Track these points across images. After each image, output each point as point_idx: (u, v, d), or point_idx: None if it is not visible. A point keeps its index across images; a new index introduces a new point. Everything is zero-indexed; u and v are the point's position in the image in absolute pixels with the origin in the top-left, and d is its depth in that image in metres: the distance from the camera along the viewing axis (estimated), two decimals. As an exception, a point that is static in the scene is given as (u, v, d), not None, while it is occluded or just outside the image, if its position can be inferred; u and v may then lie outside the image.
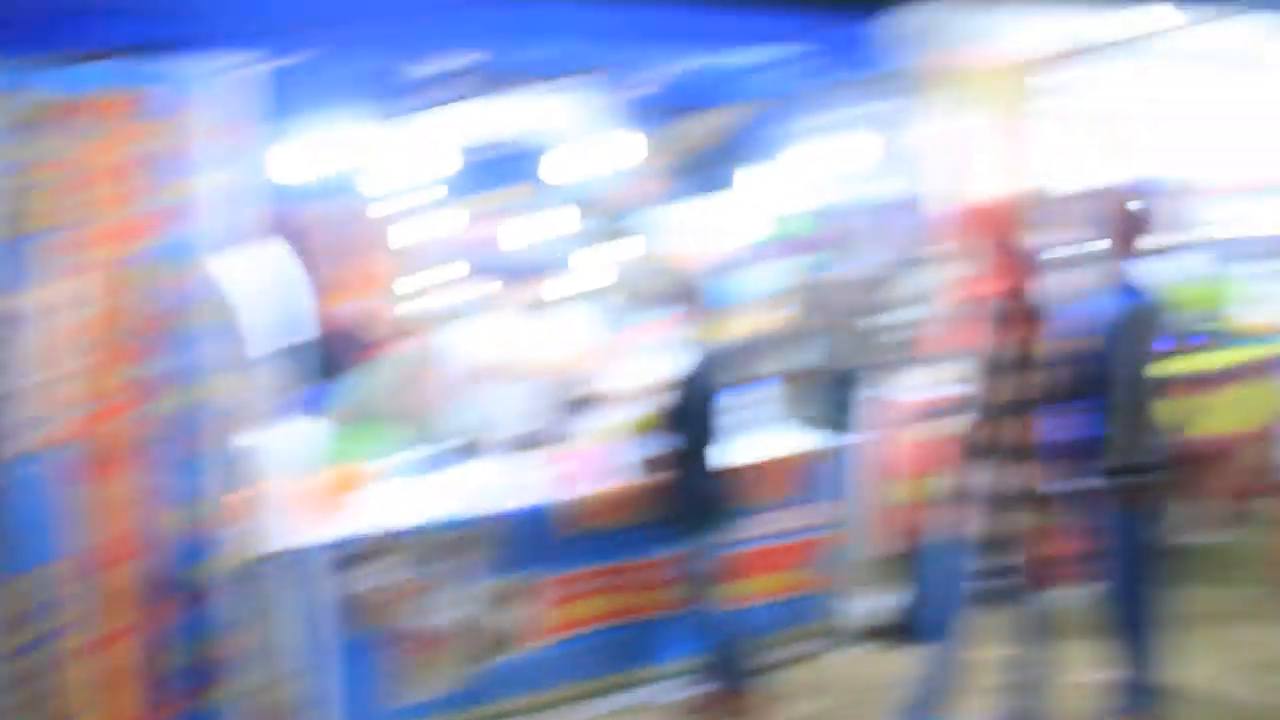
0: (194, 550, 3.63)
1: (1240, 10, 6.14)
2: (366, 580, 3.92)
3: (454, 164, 6.93)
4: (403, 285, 7.99)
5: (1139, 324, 3.55)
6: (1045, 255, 3.65)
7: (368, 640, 3.95)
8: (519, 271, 4.82)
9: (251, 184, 3.67)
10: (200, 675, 3.66)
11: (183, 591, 3.62)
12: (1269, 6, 6.37)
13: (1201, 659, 4.30)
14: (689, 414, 3.93)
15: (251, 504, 3.91)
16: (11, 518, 3.45)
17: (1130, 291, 3.61)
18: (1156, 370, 3.66)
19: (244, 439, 4.01)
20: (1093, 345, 3.60)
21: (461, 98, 5.54)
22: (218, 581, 3.65)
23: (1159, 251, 7.43)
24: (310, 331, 4.92)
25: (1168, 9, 5.65)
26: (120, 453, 3.56)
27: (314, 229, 7.49)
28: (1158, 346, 3.64)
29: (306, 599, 3.87)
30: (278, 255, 4.48)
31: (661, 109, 6.75)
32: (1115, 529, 3.69)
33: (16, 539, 3.46)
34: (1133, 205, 3.88)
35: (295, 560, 3.87)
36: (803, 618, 4.76)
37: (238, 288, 3.81)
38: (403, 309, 7.58)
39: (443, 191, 7.70)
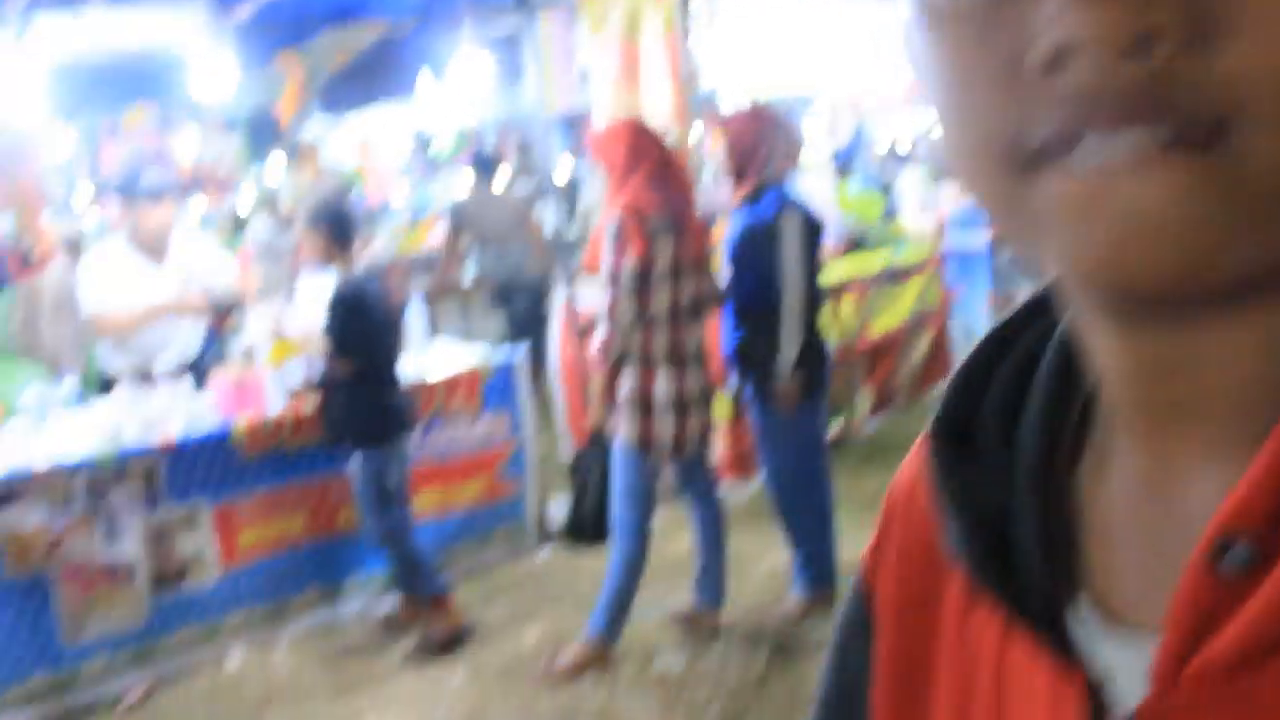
0: None
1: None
2: (20, 520, 3.70)
3: (75, 81, 6.46)
4: (44, 205, 7.42)
5: (795, 230, 3.78)
6: (687, 170, 3.86)
7: (26, 582, 3.75)
8: (155, 192, 4.46)
9: None
10: None
11: None
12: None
13: (863, 538, 4.78)
14: (354, 331, 3.92)
15: None
16: None
17: (785, 201, 3.84)
18: (816, 276, 3.92)
19: None
20: (750, 254, 3.82)
21: (70, 8, 5.19)
22: None
23: (819, 164, 8.08)
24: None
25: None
26: None
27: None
28: (816, 254, 3.91)
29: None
30: None
31: (295, 26, 6.59)
32: (778, 425, 3.95)
33: None
34: (782, 120, 4.17)
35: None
36: (491, 525, 4.87)
37: None
38: (46, 230, 7.04)
39: (68, 110, 7.18)
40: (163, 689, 3.97)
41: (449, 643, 4.06)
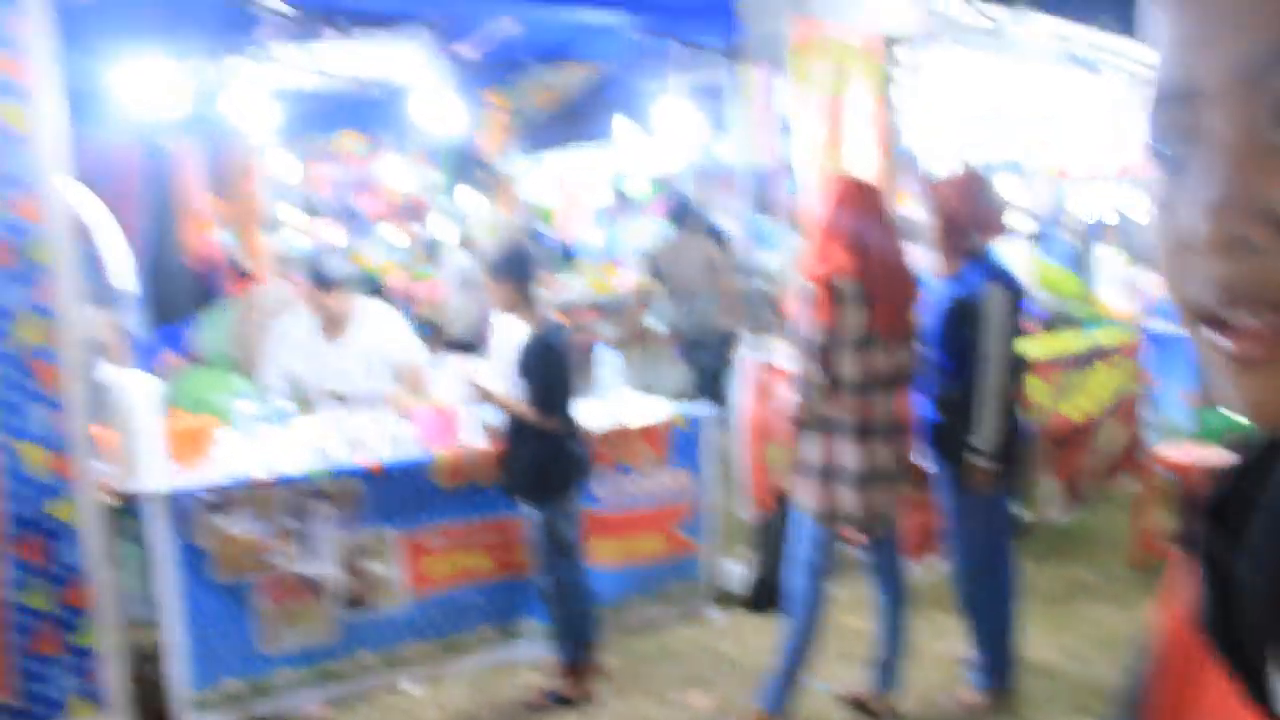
0: (46, 490, 3.52)
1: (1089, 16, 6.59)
2: (229, 527, 3.86)
3: (301, 107, 6.80)
4: (267, 222, 7.86)
5: (1000, 305, 3.65)
6: (899, 234, 3.73)
7: (230, 588, 3.91)
8: (337, 280, 4.67)
9: (64, 117, 3.53)
10: (61, 618, 3.56)
11: (34, 533, 3.51)
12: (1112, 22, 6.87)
13: (1048, 635, 4.46)
14: (538, 383, 3.94)
15: (109, 445, 3.81)
16: None
17: (991, 273, 3.71)
18: (1018, 352, 3.77)
19: (103, 376, 3.89)
20: (953, 328, 3.69)
21: (289, 37, 5.45)
22: (73, 523, 3.55)
23: (1019, 234, 7.88)
24: (131, 277, 4.77)
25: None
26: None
27: (175, 161, 7.26)
28: (1018, 328, 3.77)
29: (166, 544, 3.80)
30: (86, 195, 4.32)
31: (505, 64, 6.77)
32: (968, 507, 3.81)
33: None
34: (990, 188, 4.03)
35: (158, 503, 3.79)
36: (665, 581, 4.81)
37: (82, 224, 3.68)
38: (263, 247, 7.44)
39: (284, 134, 7.55)
40: (341, 709, 4.07)
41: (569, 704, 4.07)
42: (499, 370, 4.16)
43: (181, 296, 7.34)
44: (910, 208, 4.88)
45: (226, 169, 7.59)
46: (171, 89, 4.66)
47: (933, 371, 3.77)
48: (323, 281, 4.59)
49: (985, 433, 3.65)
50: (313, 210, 10.35)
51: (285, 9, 4.68)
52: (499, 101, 7.70)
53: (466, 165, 10.00)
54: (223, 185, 7.62)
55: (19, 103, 3.44)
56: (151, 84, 4.63)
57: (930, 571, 4.88)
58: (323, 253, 6.78)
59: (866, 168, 4.96)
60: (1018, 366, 3.79)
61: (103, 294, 4.39)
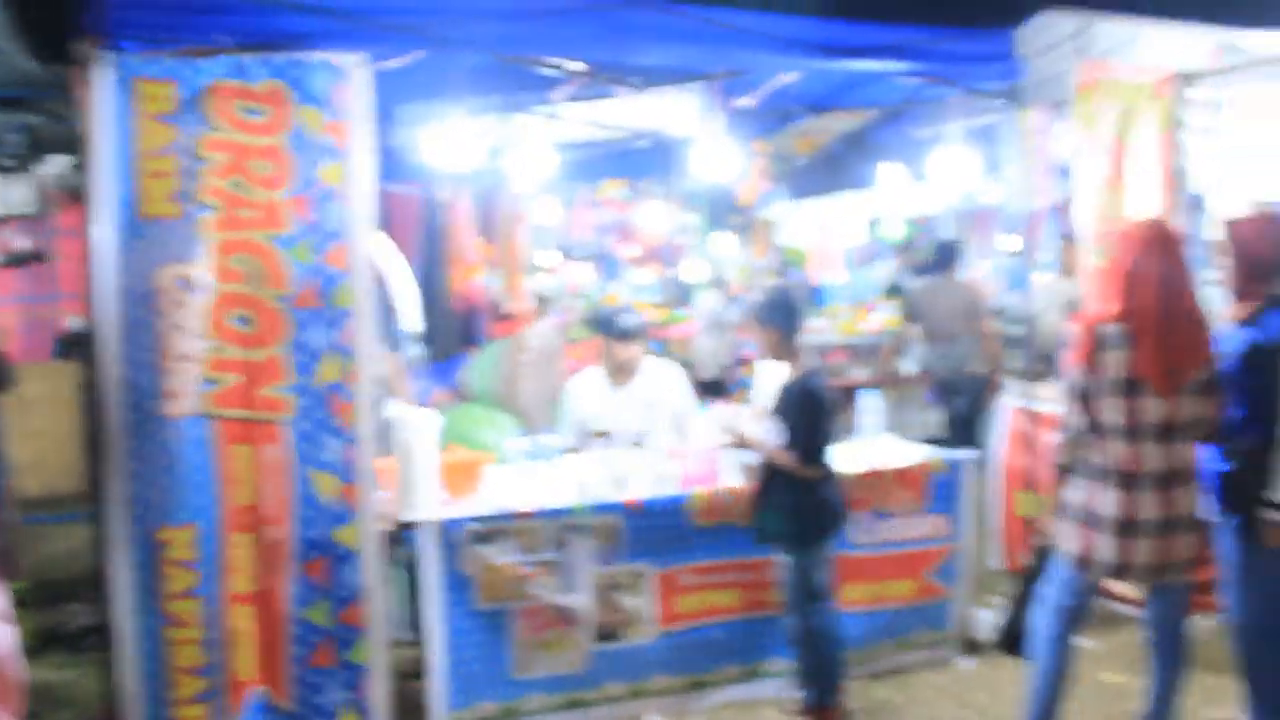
0: (335, 516, 3.83)
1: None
2: (494, 557, 4.08)
3: (570, 156, 7.10)
4: (529, 266, 8.26)
5: None
6: (1190, 279, 3.54)
7: (489, 615, 4.12)
8: (628, 332, 5.03)
9: (374, 174, 3.85)
10: (336, 635, 3.86)
11: (323, 555, 3.82)
12: None
13: None
14: (804, 429, 3.97)
15: (393, 475, 4.11)
16: (177, 471, 3.68)
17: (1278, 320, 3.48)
18: None
19: (383, 414, 4.20)
20: (1250, 376, 3.47)
21: (579, 96, 5.67)
22: (356, 548, 3.85)
23: None
24: (418, 319, 5.11)
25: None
26: (267, 422, 3.77)
27: (450, 210, 7.76)
28: None
29: (435, 570, 4.06)
30: (389, 248, 4.66)
31: (777, 112, 6.83)
32: (1257, 563, 3.55)
33: (174, 494, 3.69)
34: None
35: (425, 532, 4.05)
36: (914, 626, 4.75)
37: (378, 271, 4.00)
38: (528, 290, 7.82)
39: (554, 182, 7.89)
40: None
41: None
42: (759, 414, 4.21)
43: (449, 336, 7.81)
44: (1198, 251, 4.62)
45: (496, 216, 8.03)
46: (465, 146, 5.00)
47: (1226, 419, 3.55)
48: (617, 332, 4.96)
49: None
50: (569, 253, 10.77)
51: (582, 69, 4.89)
52: (761, 149, 7.80)
53: (723, 211, 10.16)
54: (491, 231, 8.06)
55: (339, 163, 3.80)
56: (451, 142, 4.99)
57: (1201, 629, 4.56)
58: (619, 308, 7.24)
59: (1149, 210, 4.75)
60: None
61: (390, 335, 4.74)
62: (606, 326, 5.10)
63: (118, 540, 3.66)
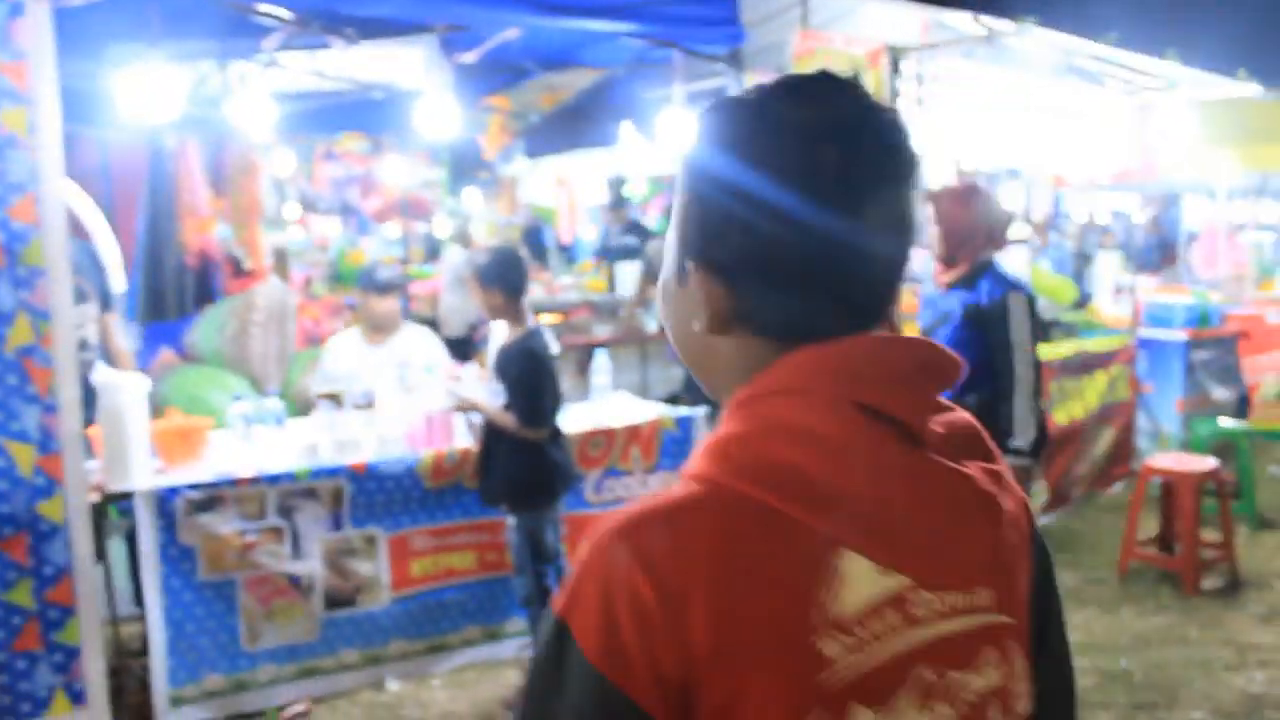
0: (40, 488, 3.57)
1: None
2: (216, 526, 3.92)
3: (299, 107, 6.85)
4: (267, 220, 7.91)
5: (1024, 309, 3.71)
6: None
7: (214, 585, 3.97)
8: (385, 285, 5.10)
9: (59, 120, 3.59)
10: (45, 615, 3.61)
11: (28, 529, 3.56)
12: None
13: None
14: (522, 390, 3.97)
15: (99, 443, 3.88)
16: None
17: (1006, 281, 3.78)
18: (1038, 355, 3.80)
19: (96, 376, 3.95)
20: (975, 335, 3.73)
21: (294, 45, 5.50)
22: (66, 520, 3.60)
23: (1019, 242, 7.89)
24: (123, 276, 4.86)
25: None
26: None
27: (177, 160, 7.32)
28: (1038, 332, 3.81)
29: (153, 541, 3.87)
30: (80, 195, 4.38)
31: (511, 68, 6.81)
32: None
33: None
34: (991, 199, 4.07)
35: (145, 501, 3.85)
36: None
37: (69, 226, 3.73)
38: (268, 245, 7.50)
39: (286, 133, 7.61)
40: (323, 705, 4.13)
41: None
42: (484, 375, 4.21)
43: (181, 293, 7.41)
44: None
45: (227, 167, 7.65)
46: (169, 92, 4.71)
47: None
48: (375, 286, 5.00)
49: (1027, 431, 3.68)
50: (312, 207, 10.41)
51: (288, 17, 4.72)
52: (500, 104, 7.74)
53: (468, 166, 10.05)
54: (223, 183, 7.68)
55: (20, 106, 3.50)
56: (150, 87, 4.68)
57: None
58: (375, 263, 7.21)
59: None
60: (1038, 368, 3.81)
61: (103, 294, 4.46)
62: (364, 280, 5.10)
63: None
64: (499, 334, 4.21)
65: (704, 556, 0.83)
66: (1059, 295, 8.38)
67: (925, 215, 3.89)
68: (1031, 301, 3.80)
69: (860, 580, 0.85)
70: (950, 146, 6.86)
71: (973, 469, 0.92)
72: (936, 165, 6.74)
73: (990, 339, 3.72)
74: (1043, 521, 6.02)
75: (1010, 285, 3.77)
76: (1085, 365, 6.60)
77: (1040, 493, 6.06)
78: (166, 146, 7.32)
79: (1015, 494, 0.97)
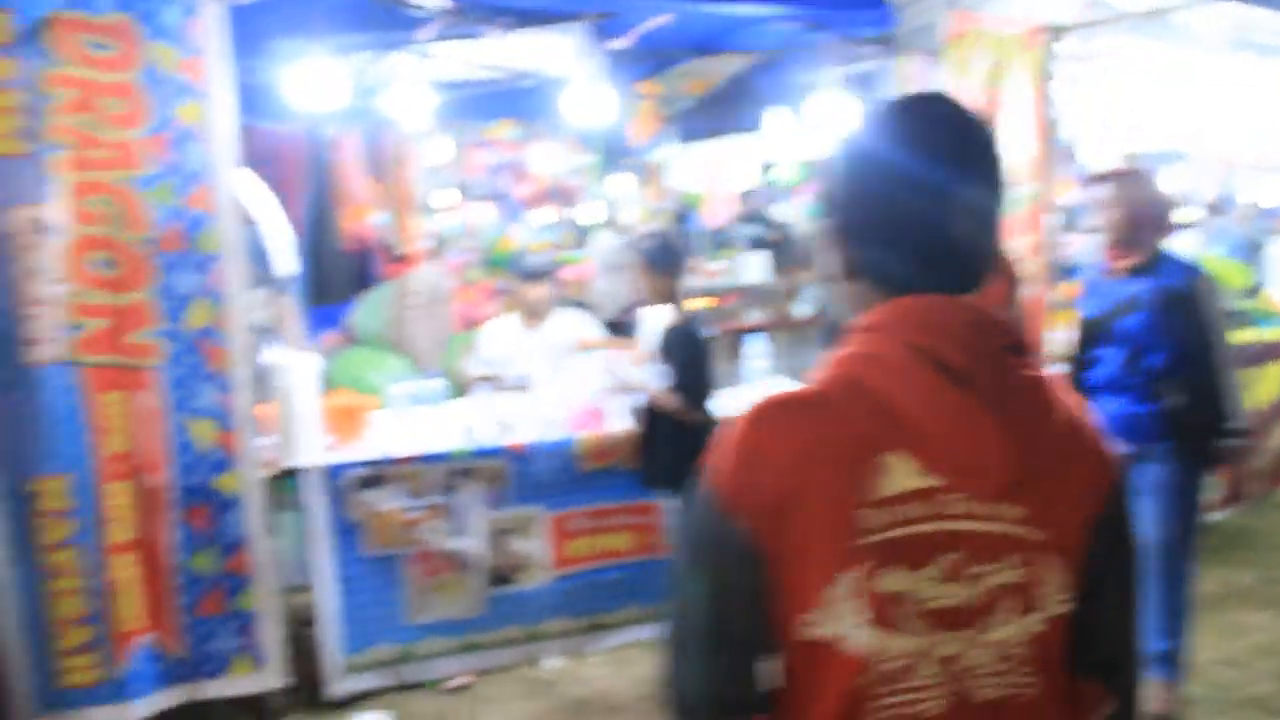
0: (215, 463, 3.76)
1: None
2: (381, 502, 4.06)
3: (452, 96, 6.99)
4: (422, 206, 8.11)
5: (1214, 292, 3.62)
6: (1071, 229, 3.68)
7: (380, 560, 4.11)
8: (536, 272, 5.20)
9: (234, 113, 3.74)
10: (222, 583, 3.80)
11: (204, 502, 3.75)
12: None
13: (1201, 638, 4.14)
14: (682, 373, 3.98)
15: (274, 420, 4.05)
16: (39, 421, 3.56)
17: (1190, 268, 3.67)
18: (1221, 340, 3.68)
19: (266, 357, 4.12)
20: (1170, 321, 3.62)
21: (449, 35, 5.60)
22: (238, 495, 3.78)
23: (1187, 227, 7.51)
24: (295, 261, 5.03)
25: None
26: (137, 368, 3.66)
27: (335, 150, 7.57)
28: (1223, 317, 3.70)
29: (322, 516, 4.03)
30: (254, 184, 4.53)
31: (658, 54, 6.81)
32: (1189, 486, 3.70)
33: (44, 443, 3.57)
34: (1155, 183, 3.90)
35: (311, 478, 4.01)
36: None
37: (243, 214, 3.89)
38: (423, 230, 7.69)
39: (440, 121, 7.76)
40: (483, 679, 4.22)
41: None
42: (643, 358, 4.23)
43: (339, 279, 7.66)
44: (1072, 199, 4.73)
45: (384, 155, 7.86)
46: (333, 85, 4.88)
47: (1149, 363, 3.66)
48: (526, 272, 5.11)
49: (1238, 416, 3.59)
50: (466, 193, 10.61)
51: (444, 8, 4.81)
52: (651, 90, 7.75)
53: (617, 152, 10.09)
54: (380, 171, 7.89)
55: (197, 101, 3.67)
56: (314, 80, 4.85)
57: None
58: (528, 252, 7.35)
59: (1022, 158, 4.85)
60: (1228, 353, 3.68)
61: (273, 278, 4.64)
62: (514, 267, 5.22)
63: (-14, 493, 3.55)
64: (656, 318, 4.22)
65: (783, 433, 1.17)
66: (1231, 281, 7.95)
67: (1096, 200, 3.74)
68: (1216, 288, 3.68)
69: (900, 473, 1.15)
70: (1112, 128, 6.57)
71: (1019, 414, 1.17)
72: (1098, 149, 6.46)
73: (1190, 321, 3.59)
74: (1217, 518, 5.72)
75: (1193, 268, 3.65)
76: (1262, 355, 6.25)
77: (1210, 488, 5.75)
78: (327, 137, 7.57)
79: (1092, 447, 1.24)
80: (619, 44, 6.01)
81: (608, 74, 5.98)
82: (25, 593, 3.60)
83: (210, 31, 3.66)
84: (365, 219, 7.89)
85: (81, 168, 3.55)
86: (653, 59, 6.91)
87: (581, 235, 11.16)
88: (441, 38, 5.64)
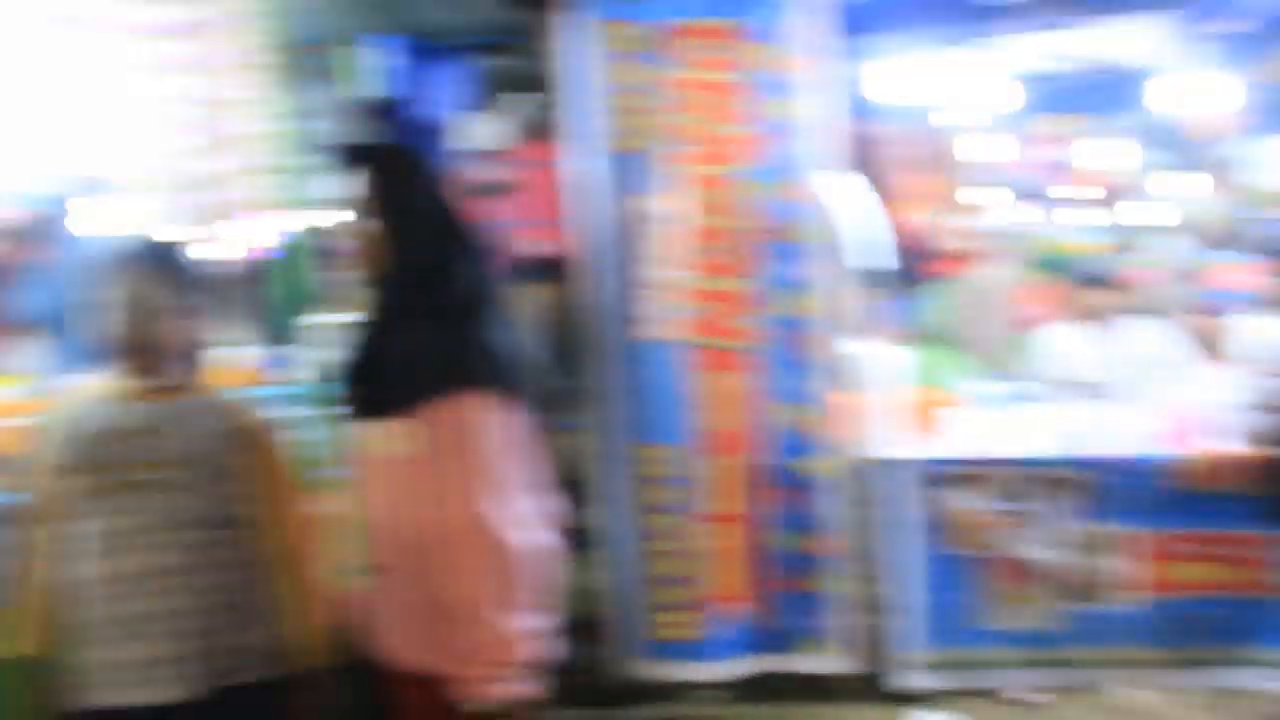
0: (799, 447, 3.90)
1: None
2: (957, 502, 3.98)
3: (1024, 88, 6.76)
4: (970, 202, 7.97)
5: None
6: None
7: (956, 560, 4.03)
8: (1095, 277, 5.03)
9: (838, 109, 3.81)
10: (800, 563, 3.93)
11: (788, 484, 3.90)
12: None
13: None
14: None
15: (852, 411, 4.10)
16: (645, 393, 3.88)
17: None
18: None
19: (844, 349, 4.19)
20: None
21: (1041, 25, 5.38)
22: (820, 479, 3.88)
23: None
24: (890, 257, 5.04)
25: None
26: (734, 351, 3.87)
27: (888, 143, 7.64)
28: None
29: (900, 509, 4.01)
30: (858, 183, 4.61)
31: (1253, 41, 6.13)
32: None
33: (649, 413, 3.88)
34: None
35: (891, 470, 4.02)
36: None
37: (836, 207, 3.97)
38: (973, 228, 7.54)
39: (1011, 114, 7.57)
40: (1062, 699, 4.00)
41: None
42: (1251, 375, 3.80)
43: (895, 274, 7.65)
44: None
45: (940, 151, 7.76)
46: (922, 79, 4.88)
47: None
48: (1084, 278, 4.93)
49: None
50: (1017, 191, 10.25)
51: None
52: (1268, 73, 7.00)
53: (1188, 148, 9.27)
54: (933, 166, 7.80)
55: (797, 98, 3.81)
56: (904, 74, 4.89)
57: None
58: (1089, 255, 7.05)
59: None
60: None
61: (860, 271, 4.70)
62: (1073, 272, 5.01)
63: (600, 453, 3.92)
64: (1261, 328, 3.78)
65: None
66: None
67: None
68: None
69: None
70: None
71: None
72: None
73: None
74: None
75: None
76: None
77: None
78: (884, 132, 7.59)
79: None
80: (1221, 28, 5.48)
81: (1203, 61, 5.51)
82: (627, 549, 3.93)
83: (815, 31, 3.78)
84: (915, 215, 7.84)
85: (693, 162, 3.82)
86: (1257, 40, 6.23)
87: (1135, 237, 10.37)
88: (1024, 29, 5.46)
